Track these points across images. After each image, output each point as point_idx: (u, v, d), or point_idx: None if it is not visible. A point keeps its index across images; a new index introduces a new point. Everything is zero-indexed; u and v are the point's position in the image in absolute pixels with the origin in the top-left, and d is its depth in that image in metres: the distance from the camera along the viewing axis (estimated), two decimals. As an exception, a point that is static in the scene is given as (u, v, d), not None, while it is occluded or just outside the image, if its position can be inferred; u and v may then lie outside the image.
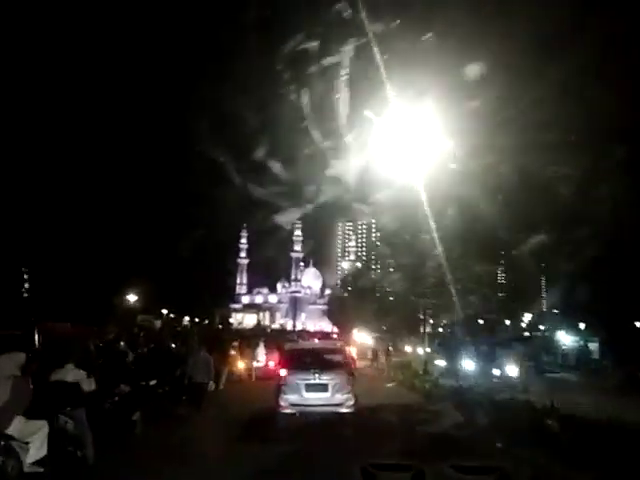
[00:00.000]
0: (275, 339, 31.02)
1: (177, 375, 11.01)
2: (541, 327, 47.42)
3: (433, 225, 15.32)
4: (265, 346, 23.57)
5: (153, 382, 10.17)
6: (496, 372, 14.85)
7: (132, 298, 36.20)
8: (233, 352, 20.88)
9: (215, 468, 7.00)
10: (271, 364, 22.24)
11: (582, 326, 34.83)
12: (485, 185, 14.57)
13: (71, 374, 6.72)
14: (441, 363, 16.49)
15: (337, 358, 11.46)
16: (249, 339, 26.90)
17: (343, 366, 11.11)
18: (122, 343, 10.75)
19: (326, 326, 76.88)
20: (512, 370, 15.14)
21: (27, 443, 4.75)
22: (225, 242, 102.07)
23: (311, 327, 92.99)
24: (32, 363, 5.96)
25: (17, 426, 4.79)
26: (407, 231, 17.76)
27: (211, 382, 11.34)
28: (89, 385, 6.98)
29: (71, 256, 31.51)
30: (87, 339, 9.66)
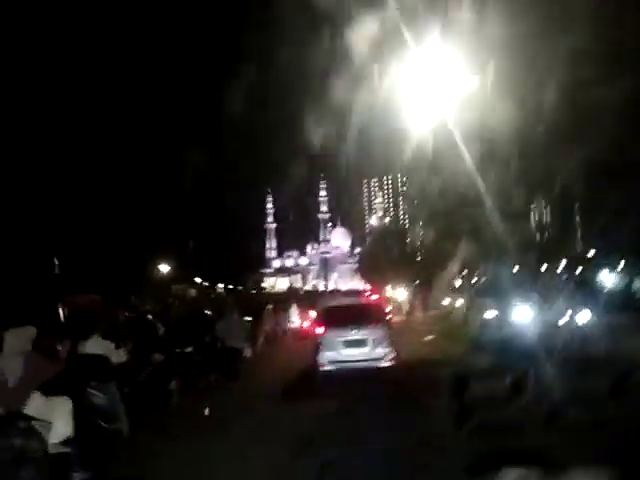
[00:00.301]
0: (308, 300, 31.04)
1: (207, 341, 10.47)
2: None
3: (469, 162, 14.49)
4: (298, 308, 23.57)
5: (189, 349, 9.87)
6: (560, 320, 12.10)
7: (164, 269, 36.41)
8: (268, 315, 20.77)
9: (252, 436, 6.66)
10: (305, 324, 22.45)
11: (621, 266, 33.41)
12: (523, 117, 13.56)
13: (97, 346, 6.40)
14: (489, 313, 14.47)
15: (374, 312, 11.22)
16: (283, 302, 26.93)
17: (381, 320, 10.89)
18: (149, 316, 10.33)
19: (358, 284, 76.84)
20: (583, 316, 11.91)
21: (50, 423, 4.40)
22: (252, 207, 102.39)
23: (343, 286, 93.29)
24: (49, 337, 5.58)
25: (37, 404, 4.44)
26: (440, 173, 16.92)
27: (246, 347, 10.95)
28: (118, 356, 6.68)
29: (100, 231, 31.71)
30: (115, 310, 9.38)
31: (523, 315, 13.03)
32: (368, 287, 61.08)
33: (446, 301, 27.76)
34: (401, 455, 5.26)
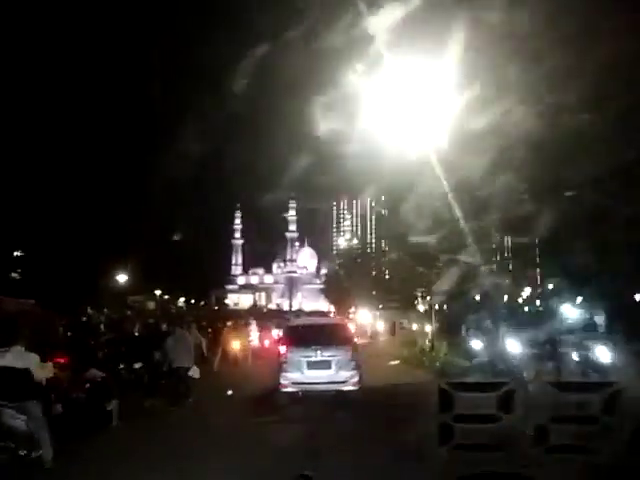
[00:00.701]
0: (270, 319, 30.21)
1: (157, 359, 9.45)
2: (537, 302, 46.23)
3: (444, 187, 14.09)
4: (260, 325, 22.77)
5: (137, 365, 8.92)
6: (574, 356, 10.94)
7: (122, 279, 34.83)
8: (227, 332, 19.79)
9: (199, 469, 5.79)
10: (266, 343, 21.61)
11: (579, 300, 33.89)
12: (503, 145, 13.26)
13: (18, 358, 5.46)
14: (475, 345, 13.49)
15: (340, 333, 10.77)
16: (243, 319, 26.04)
17: (346, 341, 10.38)
18: (102, 326, 9.34)
19: (323, 306, 76.10)
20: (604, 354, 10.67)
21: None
22: (219, 223, 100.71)
23: (308, 307, 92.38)
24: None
25: None
26: (415, 199, 16.47)
27: (194, 367, 9.52)
28: (44, 371, 5.74)
29: (55, 236, 30.22)
30: (52, 318, 8.36)
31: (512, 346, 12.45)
32: (332, 309, 60.49)
33: (413, 326, 27.27)
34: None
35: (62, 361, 7.42)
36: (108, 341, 8.60)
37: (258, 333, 21.89)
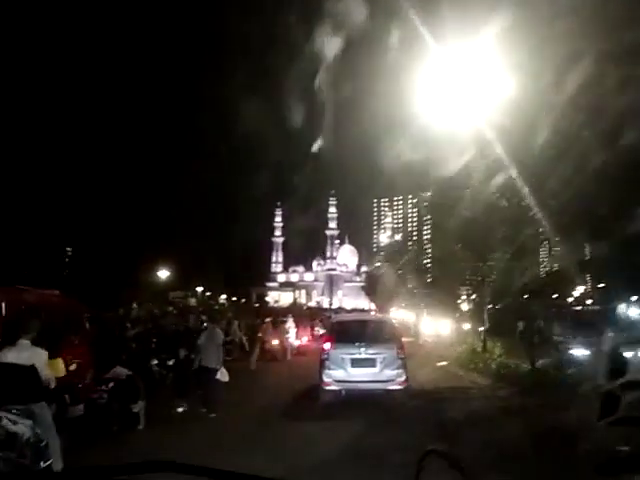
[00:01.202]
0: (309, 316, 29.55)
1: (182, 357, 8.62)
2: (588, 301, 43.42)
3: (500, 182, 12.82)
4: (297, 322, 22.19)
5: (171, 362, 8.22)
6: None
7: (163, 274, 34.83)
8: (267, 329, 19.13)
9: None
10: (304, 340, 21.46)
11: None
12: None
13: (24, 354, 4.77)
14: (578, 351, 11.19)
15: (385, 330, 10.34)
16: (281, 316, 25.47)
17: (392, 339, 9.96)
18: (128, 324, 8.63)
19: (363, 303, 74.97)
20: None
21: None
22: (261, 220, 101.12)
23: (348, 305, 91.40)
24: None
25: None
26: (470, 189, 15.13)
27: (222, 369, 8.37)
28: (54, 370, 5.06)
29: (103, 233, 30.52)
30: (79, 310, 7.74)
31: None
32: (373, 307, 59.29)
33: (461, 326, 25.84)
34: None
35: (84, 358, 6.73)
36: (137, 335, 7.88)
37: (295, 330, 21.22)
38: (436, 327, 30.12)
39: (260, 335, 18.24)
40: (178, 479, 1.16)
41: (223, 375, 8.16)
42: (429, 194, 17.57)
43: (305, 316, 28.10)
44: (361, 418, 8.08)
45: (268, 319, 21.13)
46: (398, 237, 61.15)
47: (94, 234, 30.83)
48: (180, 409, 7.57)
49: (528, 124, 12.84)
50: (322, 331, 32.03)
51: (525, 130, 12.42)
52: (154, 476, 1.14)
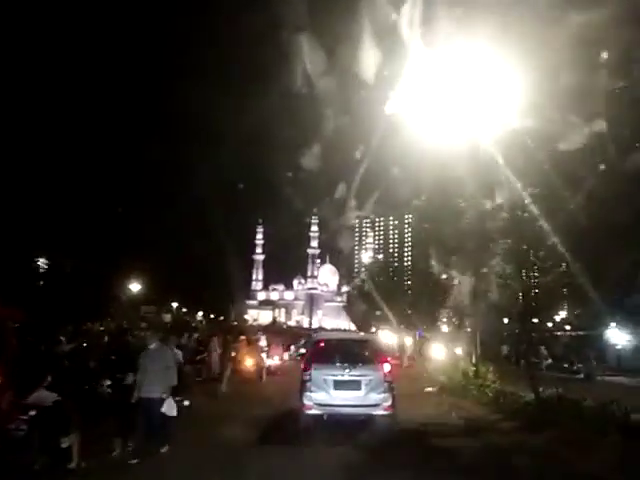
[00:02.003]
0: (286, 336, 28.34)
1: (128, 383, 6.88)
2: (567, 327, 42.31)
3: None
4: (271, 342, 21.00)
5: (107, 383, 6.75)
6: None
7: (135, 288, 33.01)
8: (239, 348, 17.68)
9: None
10: (276, 360, 20.30)
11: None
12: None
13: None
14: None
15: (370, 350, 9.66)
16: (252, 334, 24.10)
17: (378, 360, 9.28)
18: (62, 338, 7.02)
19: (343, 324, 73.75)
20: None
21: None
22: (241, 238, 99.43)
23: (328, 325, 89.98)
24: None
25: None
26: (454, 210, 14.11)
27: (169, 400, 6.38)
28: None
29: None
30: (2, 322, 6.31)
31: None
32: (353, 327, 57.96)
33: (458, 350, 24.56)
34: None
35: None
36: (74, 351, 6.38)
37: (267, 350, 19.92)
38: (421, 349, 28.92)
39: (233, 354, 16.77)
40: None
41: (170, 408, 6.40)
42: (420, 201, 16.39)
43: (282, 334, 26.75)
44: (343, 458, 6.83)
45: (242, 337, 19.72)
46: (380, 257, 60.26)
47: (67, 243, 29.34)
48: (116, 452, 6.08)
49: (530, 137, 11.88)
50: (302, 350, 30.78)
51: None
52: None
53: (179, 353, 8.79)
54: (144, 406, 5.97)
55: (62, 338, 6.13)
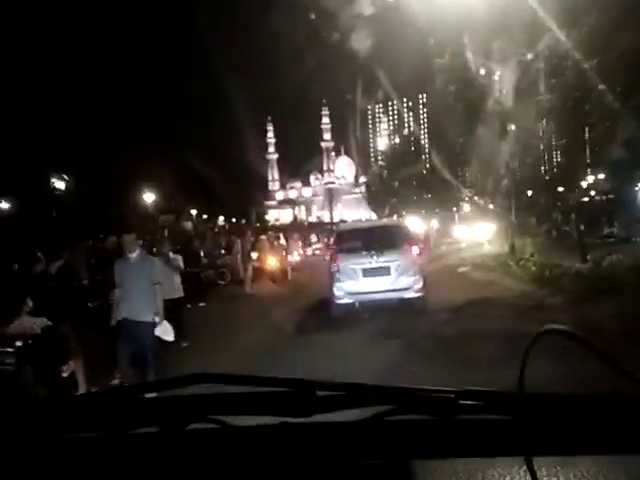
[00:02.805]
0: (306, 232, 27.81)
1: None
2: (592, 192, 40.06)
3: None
4: (288, 238, 20.45)
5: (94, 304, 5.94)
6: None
7: (149, 198, 32.20)
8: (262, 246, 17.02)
9: None
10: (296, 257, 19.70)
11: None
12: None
13: None
14: None
15: (397, 235, 9.54)
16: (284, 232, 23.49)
17: (405, 243, 9.26)
18: (40, 254, 5.97)
19: (364, 214, 73.29)
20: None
21: None
22: (251, 136, 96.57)
23: (349, 217, 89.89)
24: None
25: None
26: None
27: (163, 322, 5.14)
28: None
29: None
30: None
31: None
32: (374, 217, 57.48)
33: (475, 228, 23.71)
34: None
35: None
36: (62, 271, 5.50)
37: (286, 246, 19.39)
38: (448, 231, 28.17)
39: (255, 255, 16.14)
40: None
41: (166, 331, 5.33)
42: (444, 59, 14.62)
43: (302, 231, 26.26)
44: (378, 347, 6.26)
45: (263, 236, 19.06)
46: (397, 140, 57.91)
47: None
48: (116, 381, 5.33)
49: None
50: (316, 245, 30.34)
51: None
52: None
53: (178, 258, 8.01)
54: (127, 331, 5.02)
55: (39, 254, 5.23)
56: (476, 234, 22.91)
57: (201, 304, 11.26)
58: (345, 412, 0.81)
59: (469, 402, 0.78)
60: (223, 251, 17.90)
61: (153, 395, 0.97)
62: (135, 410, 0.90)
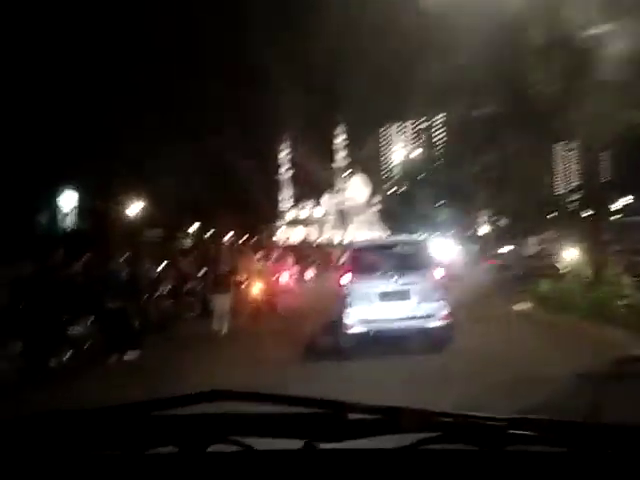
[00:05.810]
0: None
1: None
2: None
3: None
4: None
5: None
6: None
7: (132, 211, 28.54)
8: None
9: None
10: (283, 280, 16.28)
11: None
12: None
13: None
14: None
15: (418, 254, 8.54)
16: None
17: (428, 264, 8.27)
18: None
19: (377, 235, 70.05)
20: None
21: None
22: (264, 155, 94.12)
23: (362, 237, 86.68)
24: None
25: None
26: None
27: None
28: None
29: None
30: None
31: None
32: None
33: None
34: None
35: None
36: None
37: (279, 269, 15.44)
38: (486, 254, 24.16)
39: (239, 279, 12.22)
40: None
41: None
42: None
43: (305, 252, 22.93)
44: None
45: (258, 255, 15.20)
46: (417, 153, 54.69)
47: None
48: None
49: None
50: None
51: None
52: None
53: None
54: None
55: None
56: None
57: (130, 355, 7.39)
58: (380, 438, 0.76)
59: (521, 432, 0.72)
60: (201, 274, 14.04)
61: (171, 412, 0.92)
62: (153, 427, 0.89)
